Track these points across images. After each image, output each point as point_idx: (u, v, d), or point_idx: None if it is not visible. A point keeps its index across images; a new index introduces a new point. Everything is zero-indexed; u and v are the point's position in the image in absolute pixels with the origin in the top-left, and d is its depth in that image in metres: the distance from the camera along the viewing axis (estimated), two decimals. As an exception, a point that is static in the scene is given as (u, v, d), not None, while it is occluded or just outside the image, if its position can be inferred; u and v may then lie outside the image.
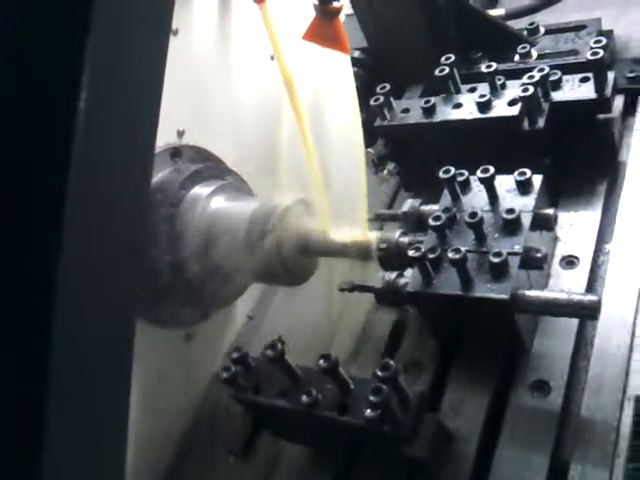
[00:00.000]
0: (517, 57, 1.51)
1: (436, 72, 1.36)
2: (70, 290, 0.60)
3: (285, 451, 1.18)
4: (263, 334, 1.39)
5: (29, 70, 0.61)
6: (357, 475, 1.08)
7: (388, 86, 1.39)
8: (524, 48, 1.49)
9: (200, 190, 1.19)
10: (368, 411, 0.94)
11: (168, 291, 1.16)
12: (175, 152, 1.22)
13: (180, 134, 1.23)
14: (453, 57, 1.37)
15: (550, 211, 1.11)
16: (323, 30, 1.26)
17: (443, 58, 1.38)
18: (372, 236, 1.15)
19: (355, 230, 1.16)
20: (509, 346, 1.10)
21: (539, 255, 1.07)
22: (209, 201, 1.18)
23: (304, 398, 1.00)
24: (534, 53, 1.51)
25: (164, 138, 1.20)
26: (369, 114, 1.59)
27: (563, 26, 1.57)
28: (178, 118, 1.22)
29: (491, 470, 1.00)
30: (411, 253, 1.06)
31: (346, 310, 1.40)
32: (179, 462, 1.22)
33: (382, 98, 1.37)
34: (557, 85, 1.29)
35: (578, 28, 1.53)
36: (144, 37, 0.67)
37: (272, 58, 1.37)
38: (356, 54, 1.66)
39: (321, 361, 0.97)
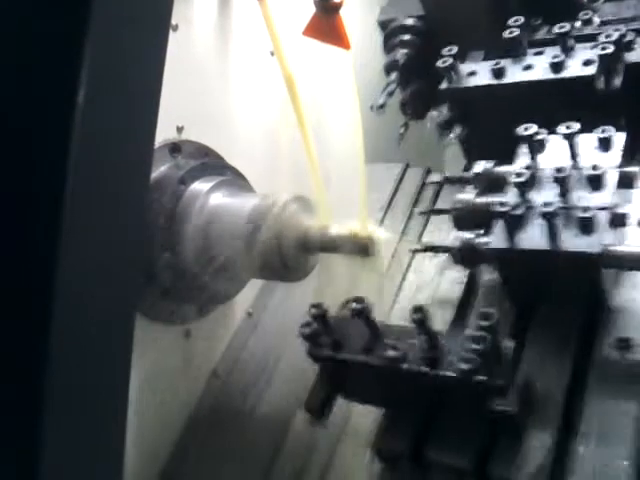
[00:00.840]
0: (579, 23, 1.49)
1: (505, 34, 1.34)
2: (70, 287, 0.60)
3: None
4: (262, 331, 1.40)
5: (28, 66, 0.61)
6: (436, 433, 1.06)
7: (455, 48, 1.37)
8: (586, 14, 1.47)
9: (199, 186, 1.19)
10: (463, 363, 0.93)
11: (167, 287, 1.16)
12: (174, 148, 1.22)
13: (179, 130, 1.23)
14: (522, 19, 1.35)
15: (635, 169, 1.10)
16: (323, 26, 1.26)
17: (512, 20, 1.36)
18: (371, 231, 1.15)
19: (354, 226, 1.16)
20: (591, 303, 1.09)
21: (622, 211, 1.06)
22: (208, 197, 1.18)
23: (391, 352, 0.99)
24: (596, 20, 1.48)
25: (163, 134, 1.20)
26: (425, 81, 1.59)
27: (624, -7, 1.54)
28: (177, 114, 1.22)
29: (581, 425, 0.99)
30: (497, 208, 1.05)
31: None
32: (178, 457, 1.22)
33: (450, 60, 1.35)
34: (630, 46, 1.27)
35: (640, -5, 1.51)
36: (144, 32, 0.67)
37: (272, 54, 1.37)
38: (410, 21, 1.64)
39: (413, 314, 0.95)
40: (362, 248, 1.14)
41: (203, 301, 1.26)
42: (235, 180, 1.28)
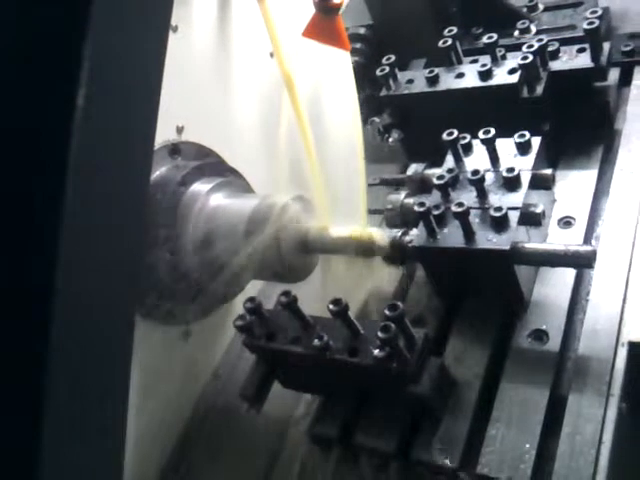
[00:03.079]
0: (517, 32, 1.57)
1: (439, 44, 1.42)
2: (70, 288, 0.60)
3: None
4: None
5: (27, 67, 0.61)
6: (364, 419, 1.14)
7: (393, 57, 1.45)
8: (523, 24, 1.55)
9: (199, 187, 1.19)
10: (377, 351, 1.00)
11: (167, 288, 1.17)
12: (174, 149, 1.22)
13: (179, 130, 1.23)
14: (455, 30, 1.43)
15: (548, 171, 1.17)
16: (323, 27, 1.29)
17: (446, 31, 1.44)
18: (372, 232, 1.17)
19: (355, 227, 1.18)
20: (508, 298, 1.16)
21: (537, 211, 1.13)
22: (208, 198, 1.19)
23: (316, 342, 1.05)
24: (533, 29, 1.57)
25: (163, 134, 1.20)
26: (373, 87, 1.67)
27: (561, 3, 1.62)
28: (177, 114, 1.22)
29: (493, 410, 1.06)
30: (416, 208, 1.12)
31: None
32: (177, 459, 1.23)
33: (387, 69, 1.43)
34: (555, 55, 1.35)
35: (576, 5, 1.59)
36: (143, 33, 0.67)
37: (272, 55, 1.39)
38: (361, 31, 1.72)
39: (331, 305, 1.02)
40: (363, 249, 1.16)
41: (203, 302, 1.25)
42: (235, 181, 1.27)
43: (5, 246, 0.61)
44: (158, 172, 1.18)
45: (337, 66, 1.39)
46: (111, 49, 0.62)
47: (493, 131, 1.17)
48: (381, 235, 1.18)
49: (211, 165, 1.26)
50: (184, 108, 1.23)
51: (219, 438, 1.27)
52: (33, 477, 0.60)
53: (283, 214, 1.13)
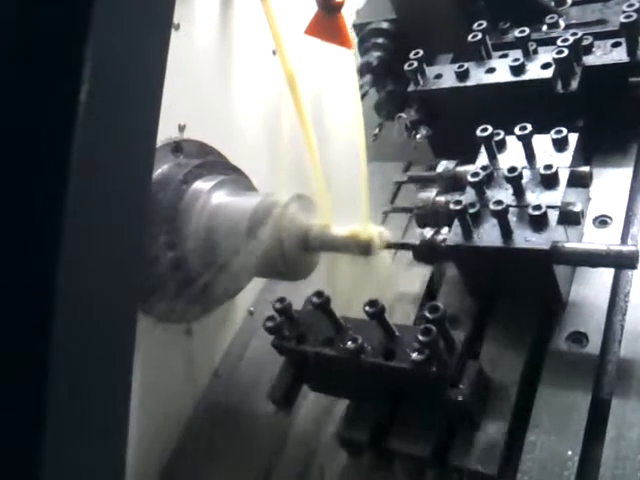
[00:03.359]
0: (545, 27, 1.53)
1: (469, 38, 1.38)
2: (71, 287, 0.60)
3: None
4: (264, 330, 1.38)
5: (30, 65, 0.61)
6: (398, 423, 1.10)
7: (421, 52, 1.41)
8: (552, 18, 1.52)
9: (201, 185, 1.20)
10: (415, 354, 0.97)
11: (169, 286, 1.17)
12: (176, 147, 1.22)
13: (181, 128, 1.23)
14: (485, 23, 1.39)
15: (586, 168, 1.14)
16: (325, 25, 1.27)
17: (475, 24, 1.40)
18: (374, 231, 1.16)
19: (357, 225, 1.17)
20: (546, 299, 1.13)
21: (576, 210, 1.10)
22: (210, 196, 1.19)
23: (350, 344, 1.02)
24: (562, 23, 1.53)
25: (165, 132, 1.20)
26: (396, 83, 1.64)
27: (590, -3, 1.59)
28: (179, 112, 1.22)
29: (532, 415, 1.02)
30: (452, 206, 1.09)
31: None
32: (178, 457, 1.23)
33: (415, 63, 1.40)
34: (589, 50, 1.31)
35: (605, -1, 1.55)
36: (146, 31, 0.67)
37: (274, 53, 1.38)
38: (384, 25, 1.68)
39: (367, 307, 0.99)
40: (364, 248, 1.15)
41: (205, 300, 1.26)
42: (237, 179, 1.28)
43: (5, 246, 0.61)
44: (160, 170, 1.19)
45: (339, 64, 1.37)
46: (113, 48, 0.62)
47: (530, 127, 1.13)
48: (382, 233, 1.16)
49: (213, 163, 1.26)
50: (186, 106, 1.24)
51: (219, 438, 1.26)
52: (34, 477, 0.60)
53: (285, 212, 1.13)
